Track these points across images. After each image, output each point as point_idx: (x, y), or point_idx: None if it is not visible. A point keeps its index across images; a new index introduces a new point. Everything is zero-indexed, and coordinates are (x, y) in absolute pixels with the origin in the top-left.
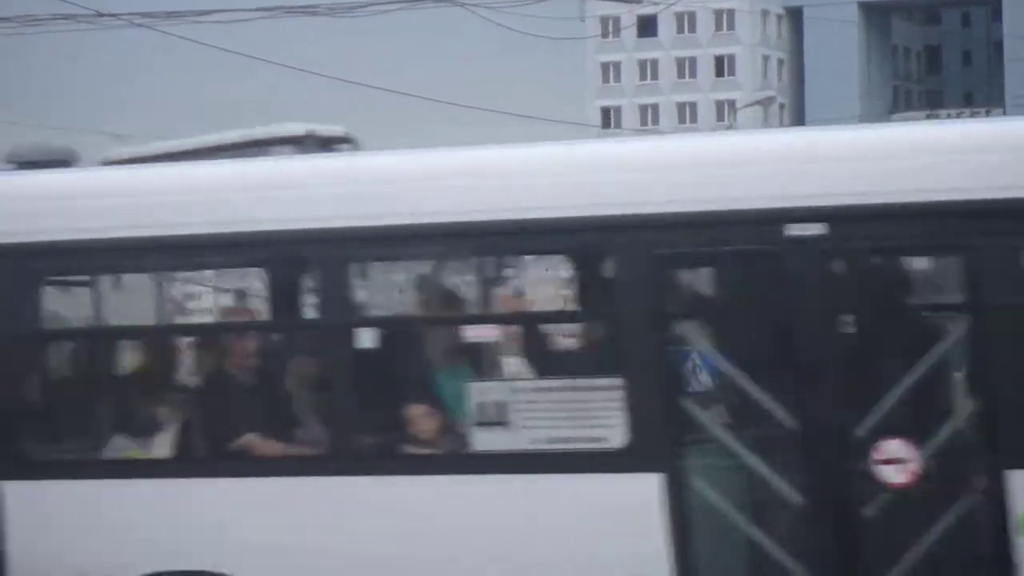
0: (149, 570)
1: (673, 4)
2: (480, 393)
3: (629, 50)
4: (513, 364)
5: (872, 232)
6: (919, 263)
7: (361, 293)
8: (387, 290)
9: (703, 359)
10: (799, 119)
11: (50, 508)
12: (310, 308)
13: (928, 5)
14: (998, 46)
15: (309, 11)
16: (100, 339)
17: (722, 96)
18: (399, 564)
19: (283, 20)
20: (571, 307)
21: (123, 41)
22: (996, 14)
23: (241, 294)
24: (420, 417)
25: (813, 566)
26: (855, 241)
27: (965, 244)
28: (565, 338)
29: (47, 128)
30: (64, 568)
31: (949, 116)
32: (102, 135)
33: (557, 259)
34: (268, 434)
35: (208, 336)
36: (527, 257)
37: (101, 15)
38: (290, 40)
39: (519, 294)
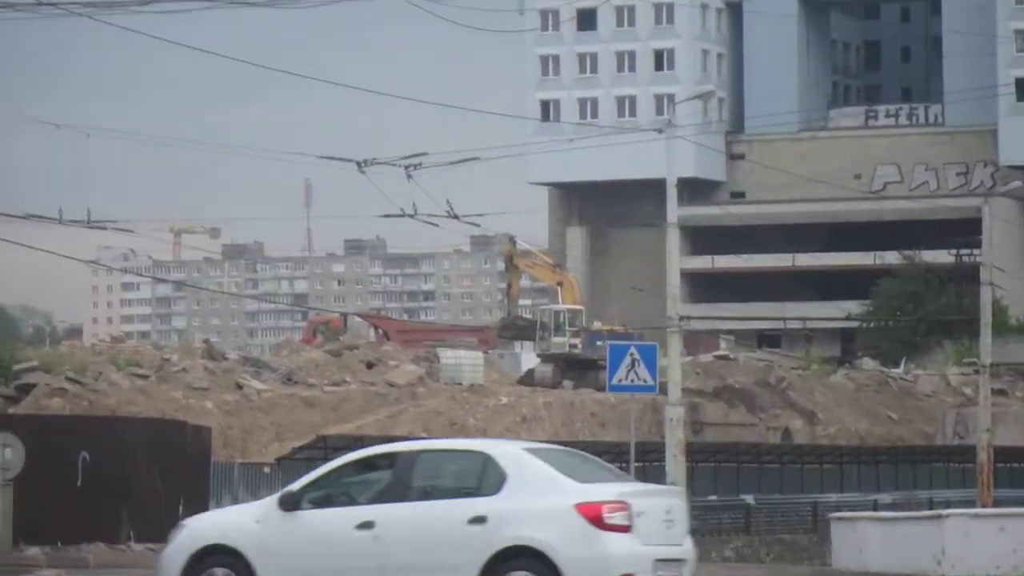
0: None
1: None
2: None
3: (568, 43)
4: None
5: None
6: None
7: None
8: None
9: (640, 351)
10: (738, 113)
11: None
12: None
13: (867, 0)
14: (936, 41)
15: (249, 3)
16: None
17: (661, 90)
18: None
19: (225, 10)
20: None
21: (63, 30)
22: (935, 9)
23: None
24: None
25: None
26: None
27: None
28: None
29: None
30: None
31: (887, 111)
32: (47, 125)
33: None
34: None
35: None
36: None
37: (41, 3)
38: (231, 31)
39: None
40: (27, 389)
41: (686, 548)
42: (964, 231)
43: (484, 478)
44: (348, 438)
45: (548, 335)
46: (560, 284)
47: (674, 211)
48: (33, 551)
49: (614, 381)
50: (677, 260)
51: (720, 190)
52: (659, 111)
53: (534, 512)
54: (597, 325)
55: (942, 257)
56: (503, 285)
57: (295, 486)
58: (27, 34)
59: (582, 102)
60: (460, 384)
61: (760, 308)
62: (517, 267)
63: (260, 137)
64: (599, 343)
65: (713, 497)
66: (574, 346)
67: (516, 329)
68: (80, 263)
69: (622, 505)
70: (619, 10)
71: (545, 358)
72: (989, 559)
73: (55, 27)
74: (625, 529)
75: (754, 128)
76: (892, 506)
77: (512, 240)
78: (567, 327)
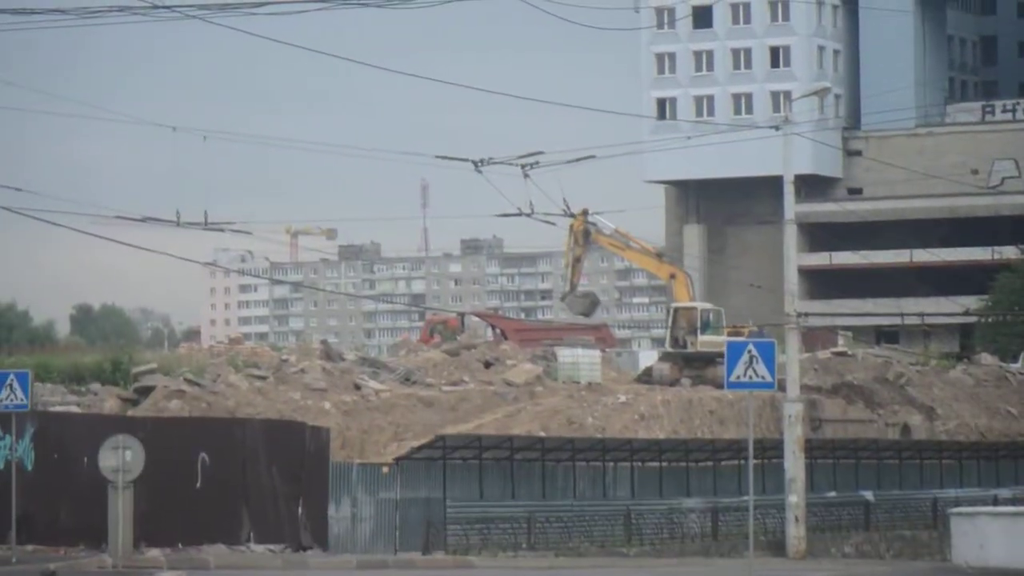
0: None
1: None
2: None
3: (684, 41)
4: None
5: None
6: None
7: None
8: None
9: (758, 348)
10: (855, 110)
11: None
12: None
13: None
14: None
15: (361, 3)
16: None
17: (777, 87)
18: None
19: (337, 12)
20: None
21: (178, 33)
22: None
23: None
24: None
25: None
26: None
27: None
28: None
29: (110, 122)
30: None
31: (1004, 106)
32: (164, 127)
33: None
34: None
35: None
36: None
37: (156, 7)
38: (343, 31)
39: None
40: (146, 392)
41: None
42: None
43: None
44: (467, 438)
45: (683, 333)
46: (673, 277)
47: (791, 208)
48: (154, 553)
49: (732, 378)
50: (795, 257)
51: (837, 186)
52: (775, 108)
53: None
54: (752, 326)
55: None
56: (566, 262)
57: None
58: (138, 37)
59: (698, 100)
60: (578, 382)
61: (878, 304)
62: (591, 242)
63: (376, 138)
64: None
65: (832, 493)
66: None
67: (589, 305)
68: (198, 265)
69: None
70: (734, 7)
71: (664, 355)
72: None
73: (167, 30)
74: None
75: (871, 124)
76: (1012, 501)
77: (585, 212)
78: (718, 326)
